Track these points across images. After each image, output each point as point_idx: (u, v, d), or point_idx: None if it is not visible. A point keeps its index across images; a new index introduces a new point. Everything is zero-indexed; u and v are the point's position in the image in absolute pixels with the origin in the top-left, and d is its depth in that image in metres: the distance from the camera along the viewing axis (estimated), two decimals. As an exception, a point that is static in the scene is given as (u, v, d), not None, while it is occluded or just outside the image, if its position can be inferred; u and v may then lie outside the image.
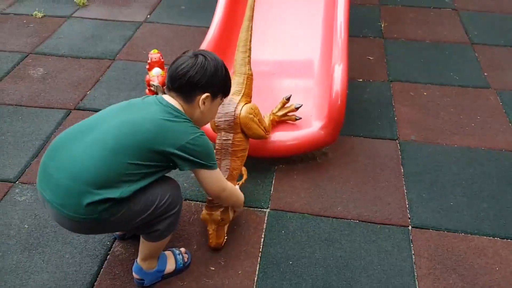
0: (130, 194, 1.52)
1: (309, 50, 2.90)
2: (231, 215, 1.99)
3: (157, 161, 1.56)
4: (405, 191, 2.30)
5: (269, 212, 2.19)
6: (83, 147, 1.52)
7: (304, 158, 2.47)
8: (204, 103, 1.65)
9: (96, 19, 3.83)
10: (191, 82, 1.61)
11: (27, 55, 3.35)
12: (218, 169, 1.70)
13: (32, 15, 3.87)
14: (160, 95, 2.62)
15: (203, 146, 1.61)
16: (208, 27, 2.90)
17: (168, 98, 1.65)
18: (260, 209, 2.21)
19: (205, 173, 1.65)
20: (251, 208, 2.21)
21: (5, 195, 2.25)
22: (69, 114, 2.79)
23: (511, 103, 2.92)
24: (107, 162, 1.50)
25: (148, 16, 3.89)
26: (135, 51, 3.41)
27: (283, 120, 2.39)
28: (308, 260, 1.97)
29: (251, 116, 2.09)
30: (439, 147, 2.58)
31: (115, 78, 3.11)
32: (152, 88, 2.71)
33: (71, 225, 1.56)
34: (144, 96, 1.70)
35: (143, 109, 1.61)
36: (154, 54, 2.88)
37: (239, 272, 1.92)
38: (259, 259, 1.97)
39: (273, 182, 2.35)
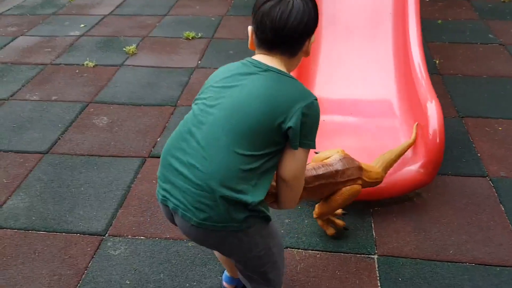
0: (261, 200, 1.34)
1: (382, 87, 2.87)
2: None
3: (275, 143, 1.33)
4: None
5: (378, 258, 2.08)
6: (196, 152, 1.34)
7: (398, 199, 2.38)
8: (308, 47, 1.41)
9: (148, 66, 3.83)
10: (301, 29, 1.33)
11: (88, 104, 3.31)
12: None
13: (83, 64, 3.86)
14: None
15: (318, 115, 1.36)
16: None
17: (263, 58, 1.38)
18: (367, 255, 2.09)
19: (300, 153, 1.35)
20: (358, 255, 2.10)
21: (97, 249, 2.14)
22: (144, 162, 2.71)
23: None
24: (226, 163, 1.31)
25: (199, 61, 3.89)
26: (194, 95, 3.36)
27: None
28: (435, 309, 1.84)
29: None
30: (533, 183, 2.50)
31: (182, 124, 3.06)
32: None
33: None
34: (239, 62, 1.45)
35: (245, 83, 1.35)
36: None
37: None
38: (382, 310, 1.85)
39: (373, 225, 2.25)
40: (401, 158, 2.33)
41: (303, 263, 2.06)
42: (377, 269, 2.03)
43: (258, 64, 1.36)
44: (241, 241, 1.39)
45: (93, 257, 2.11)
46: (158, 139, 2.92)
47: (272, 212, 1.46)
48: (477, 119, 3.04)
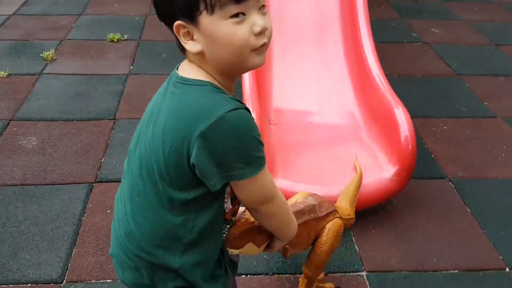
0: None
1: (339, 95, 2.82)
2: (261, 247, 1.34)
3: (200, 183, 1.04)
4: (483, 231, 2.27)
5: (367, 275, 2.02)
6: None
7: (372, 209, 2.34)
8: (188, 38, 1.01)
9: (73, 74, 3.42)
10: (162, 6, 1.03)
11: (9, 123, 2.85)
12: (265, 166, 1.05)
13: (-7, 74, 3.34)
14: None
15: (236, 132, 0.97)
16: None
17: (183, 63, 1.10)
18: (356, 273, 2.02)
19: (244, 184, 1.04)
20: (347, 274, 2.02)
21: (56, 303, 1.82)
22: (92, 189, 2.38)
23: (524, 130, 3.08)
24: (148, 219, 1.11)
25: (131, 67, 3.55)
26: (135, 107, 3.07)
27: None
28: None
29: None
30: (489, 181, 2.61)
31: (126, 140, 2.75)
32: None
33: None
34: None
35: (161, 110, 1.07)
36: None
37: None
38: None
39: (353, 239, 2.19)
40: (372, 168, 2.31)
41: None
42: (368, 286, 1.96)
43: (172, 76, 1.09)
44: None
45: (52, 312, 1.79)
46: (103, 160, 2.59)
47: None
48: (423, 119, 3.13)
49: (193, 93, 1.01)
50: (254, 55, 1.00)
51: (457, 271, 2.06)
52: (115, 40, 3.90)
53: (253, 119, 1.02)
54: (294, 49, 3.01)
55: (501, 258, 2.13)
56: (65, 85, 3.26)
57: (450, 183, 2.58)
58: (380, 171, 2.29)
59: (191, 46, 1.01)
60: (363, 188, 2.19)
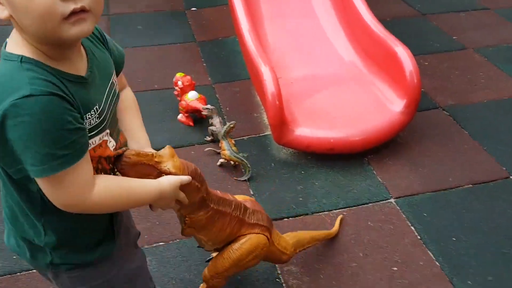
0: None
1: (339, 50, 2.92)
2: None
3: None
4: (484, 148, 2.50)
5: (396, 201, 2.20)
6: None
7: (384, 144, 2.50)
8: None
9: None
10: None
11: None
12: (73, 165, 0.91)
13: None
14: (216, 119, 2.42)
15: (31, 121, 0.84)
16: (180, 43, 3.18)
17: None
18: (386, 201, 2.20)
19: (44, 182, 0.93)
20: (378, 202, 2.19)
21: None
22: (115, 164, 2.39)
23: (493, 56, 3.34)
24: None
25: (110, 43, 3.47)
26: (129, 82, 3.02)
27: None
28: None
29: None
30: (476, 105, 2.85)
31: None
32: (205, 112, 2.47)
33: None
34: None
35: None
36: (183, 78, 2.62)
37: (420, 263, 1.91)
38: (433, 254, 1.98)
39: (375, 173, 2.35)
40: (381, 106, 2.46)
41: (335, 222, 2.08)
42: (400, 211, 2.15)
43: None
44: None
45: None
46: (115, 135, 2.59)
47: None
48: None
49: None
50: (68, 25, 0.86)
51: (471, 185, 2.28)
52: (84, 18, 3.77)
53: (61, 107, 0.87)
54: (281, 3, 3.08)
55: (504, 169, 2.38)
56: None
57: (444, 111, 2.80)
58: (390, 106, 2.45)
59: None
60: (378, 124, 2.36)
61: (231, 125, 2.32)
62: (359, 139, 2.35)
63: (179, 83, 2.61)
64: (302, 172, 2.35)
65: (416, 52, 3.34)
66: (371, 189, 2.26)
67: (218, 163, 2.36)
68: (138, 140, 1.23)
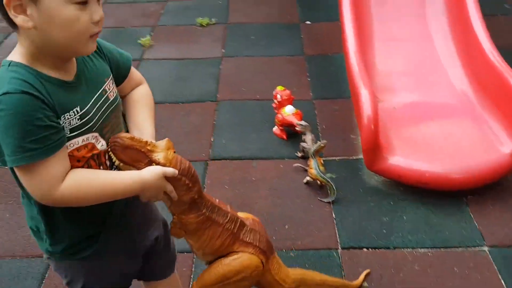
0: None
1: (449, 71, 2.77)
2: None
3: None
4: None
5: (489, 250, 2.02)
6: None
7: (489, 185, 2.30)
8: (19, 12, 0.97)
9: (170, 59, 3.57)
10: None
11: (121, 106, 3.04)
12: (44, 159, 1.00)
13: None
14: (308, 135, 2.42)
15: (2, 114, 0.96)
16: (288, 55, 3.18)
17: None
18: (479, 248, 2.03)
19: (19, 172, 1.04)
20: (469, 248, 2.02)
21: None
22: (207, 166, 2.52)
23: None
24: None
25: (223, 50, 3.66)
26: (235, 89, 3.17)
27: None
28: None
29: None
30: None
31: (234, 122, 2.86)
32: (299, 128, 2.49)
33: None
34: None
35: None
36: (283, 92, 2.67)
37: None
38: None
39: (472, 215, 2.18)
40: (489, 144, 2.27)
41: (417, 263, 1.97)
42: (493, 262, 1.96)
43: None
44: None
45: None
46: (212, 140, 2.72)
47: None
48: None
49: None
50: (90, 41, 1.06)
51: None
52: (204, 25, 4.02)
53: (32, 104, 0.98)
54: (395, 25, 2.99)
55: None
56: (165, 70, 3.42)
57: None
58: (499, 146, 2.26)
59: (22, 21, 0.98)
60: (483, 164, 2.18)
61: (322, 145, 2.31)
62: (458, 177, 2.20)
63: (278, 96, 2.66)
64: (391, 203, 2.25)
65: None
66: (464, 232, 2.09)
67: (305, 181, 2.36)
68: (142, 130, 1.24)
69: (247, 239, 1.37)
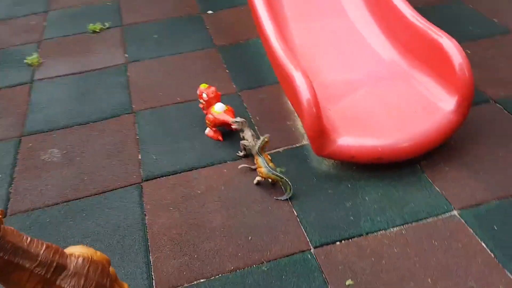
0: None
1: (374, 43, 2.68)
2: None
3: None
4: None
5: (460, 213, 1.95)
6: None
7: (436, 148, 2.25)
8: None
9: (67, 75, 3.12)
10: None
11: (20, 140, 2.58)
12: None
13: (-21, 93, 3.01)
14: (247, 132, 2.20)
15: None
16: (199, 49, 3.02)
17: None
18: (449, 214, 1.95)
19: None
20: (440, 216, 1.94)
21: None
22: (142, 189, 2.20)
23: None
24: None
25: (126, 55, 3.28)
26: (150, 96, 2.84)
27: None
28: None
29: None
30: None
31: (159, 132, 2.54)
32: (235, 126, 2.25)
33: None
34: None
35: None
36: (208, 89, 2.41)
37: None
38: None
39: (431, 181, 2.10)
40: (430, 105, 2.21)
41: (394, 245, 1.84)
42: (467, 225, 1.90)
43: None
44: None
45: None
46: (139, 156, 2.39)
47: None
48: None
49: None
50: None
51: None
52: (97, 30, 3.59)
53: None
54: (305, 4, 2.84)
55: None
56: (64, 88, 2.98)
57: (497, 105, 2.52)
58: (441, 105, 2.20)
59: None
60: (430, 126, 2.12)
61: (266, 139, 2.10)
62: (409, 145, 2.11)
63: (204, 95, 2.40)
64: (349, 186, 2.11)
65: (456, 40, 3.09)
66: (429, 201, 2.01)
67: (255, 182, 2.14)
68: None
69: (66, 285, 1.23)
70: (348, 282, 1.71)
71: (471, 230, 1.87)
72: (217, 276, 1.78)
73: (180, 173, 2.26)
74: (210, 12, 3.76)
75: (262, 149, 2.10)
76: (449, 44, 2.20)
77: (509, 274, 1.70)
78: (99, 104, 2.80)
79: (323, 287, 1.71)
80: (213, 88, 2.42)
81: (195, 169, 2.28)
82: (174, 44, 3.35)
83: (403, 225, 1.92)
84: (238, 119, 2.25)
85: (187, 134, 2.50)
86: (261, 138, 2.11)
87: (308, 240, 1.89)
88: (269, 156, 2.13)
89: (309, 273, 1.76)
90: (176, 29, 3.55)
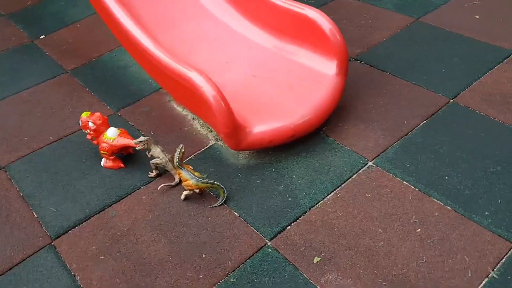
0: None
1: (247, 32, 2.69)
2: None
3: None
4: (413, 82, 2.55)
5: (375, 162, 2.12)
6: None
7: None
8: None
9: None
10: None
11: None
12: None
13: None
14: (156, 149, 2.06)
15: None
16: (50, 79, 2.85)
17: None
18: (367, 166, 2.11)
19: None
20: (361, 170, 2.09)
21: None
22: (55, 249, 1.89)
23: (366, -5, 3.43)
24: None
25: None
26: (13, 144, 2.44)
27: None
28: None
29: None
30: (379, 46, 2.90)
31: (45, 181, 2.20)
32: (140, 146, 2.07)
33: None
34: None
35: None
36: (92, 116, 2.18)
37: (433, 214, 1.87)
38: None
39: (339, 142, 2.24)
40: (316, 75, 2.34)
41: (337, 208, 1.93)
42: (385, 170, 2.07)
43: None
44: None
45: None
46: (35, 215, 2.04)
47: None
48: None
49: None
50: None
51: (425, 121, 2.31)
52: None
53: None
54: (156, 5, 2.72)
55: (441, 94, 2.45)
56: None
57: (358, 61, 2.78)
58: (325, 72, 2.33)
59: None
60: (325, 93, 2.24)
61: (182, 150, 1.99)
62: (315, 115, 2.20)
63: (90, 124, 2.15)
64: (273, 170, 2.13)
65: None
66: (346, 160, 2.14)
67: (182, 197, 2.01)
68: None
69: None
70: (316, 259, 1.74)
71: (391, 174, 2.05)
72: (188, 307, 1.65)
73: (92, 216, 2.01)
74: (42, 36, 3.36)
75: (181, 161, 1.98)
76: (314, 15, 2.33)
77: (437, 201, 1.92)
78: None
79: (295, 274, 1.71)
80: (97, 114, 2.18)
81: (108, 206, 2.05)
82: (17, 79, 2.93)
83: (335, 189, 2.01)
84: (141, 138, 2.07)
85: (80, 172, 2.22)
86: (177, 150, 1.99)
87: (261, 235, 1.86)
88: (190, 166, 2.02)
89: (277, 266, 1.74)
90: (12, 63, 3.10)
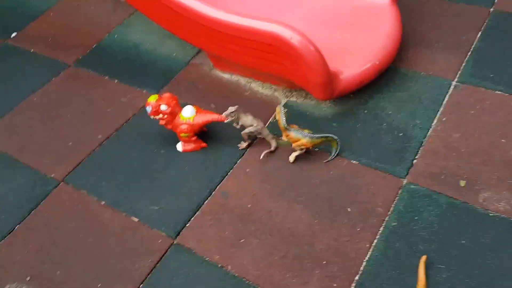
0: None
1: None
2: None
3: None
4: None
5: (459, 81, 2.10)
6: None
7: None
8: None
9: None
10: None
11: None
12: None
13: None
14: (247, 116, 1.87)
15: None
16: (55, 76, 2.61)
17: None
18: (449, 84, 2.08)
19: None
20: (450, 91, 2.06)
21: None
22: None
23: None
24: None
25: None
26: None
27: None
28: None
29: None
30: None
31: (108, 184, 1.95)
32: (230, 119, 1.87)
33: None
34: None
35: None
36: (163, 99, 1.93)
37: None
38: None
39: (411, 69, 2.19)
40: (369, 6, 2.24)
41: (444, 141, 1.89)
42: (476, 86, 2.06)
43: None
44: None
45: None
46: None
47: None
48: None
49: None
50: None
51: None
52: None
53: None
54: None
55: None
56: None
57: None
58: (379, 3, 2.25)
59: None
60: (391, 25, 2.15)
61: (285, 110, 1.83)
62: (392, 45, 2.11)
63: (163, 107, 1.90)
64: (365, 111, 2.04)
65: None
66: (431, 85, 2.10)
67: (292, 159, 1.87)
68: None
69: None
70: (462, 183, 1.72)
71: (482, 88, 2.05)
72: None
73: (203, 203, 1.81)
74: (14, 34, 2.91)
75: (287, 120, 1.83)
76: None
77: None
78: None
79: (451, 202, 1.67)
80: (168, 94, 1.94)
81: (214, 189, 1.85)
82: (15, 85, 2.53)
83: (437, 115, 1.97)
84: (231, 108, 1.87)
85: (160, 163, 1.98)
86: (280, 111, 1.82)
87: (393, 175, 1.78)
88: (295, 125, 1.86)
89: (428, 199, 1.69)
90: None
